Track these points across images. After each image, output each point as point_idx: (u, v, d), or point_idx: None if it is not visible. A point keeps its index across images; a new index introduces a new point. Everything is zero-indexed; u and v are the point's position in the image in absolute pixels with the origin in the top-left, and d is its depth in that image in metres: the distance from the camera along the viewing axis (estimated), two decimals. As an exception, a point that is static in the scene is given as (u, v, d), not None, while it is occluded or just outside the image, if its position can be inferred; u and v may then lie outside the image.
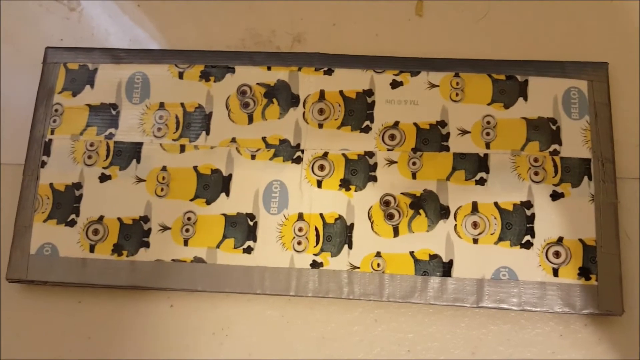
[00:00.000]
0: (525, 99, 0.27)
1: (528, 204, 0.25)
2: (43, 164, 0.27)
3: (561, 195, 0.25)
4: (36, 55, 0.29)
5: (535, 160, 0.26)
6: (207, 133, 0.27)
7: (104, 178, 0.27)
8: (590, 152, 0.26)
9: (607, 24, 0.29)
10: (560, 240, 0.25)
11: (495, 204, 0.25)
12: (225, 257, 0.26)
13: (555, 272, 0.25)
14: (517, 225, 0.25)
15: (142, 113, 0.28)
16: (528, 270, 0.25)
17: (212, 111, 0.27)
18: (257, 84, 0.28)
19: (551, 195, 0.25)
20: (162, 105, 0.28)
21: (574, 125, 0.26)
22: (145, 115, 0.28)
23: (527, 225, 0.25)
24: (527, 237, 0.25)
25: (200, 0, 0.30)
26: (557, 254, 0.25)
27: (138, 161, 0.27)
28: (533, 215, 0.25)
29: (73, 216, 0.27)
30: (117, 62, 0.28)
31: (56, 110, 0.28)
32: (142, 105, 0.28)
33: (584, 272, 0.24)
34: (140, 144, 0.27)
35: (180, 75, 0.28)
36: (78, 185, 0.27)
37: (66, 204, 0.27)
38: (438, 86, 0.27)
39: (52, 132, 0.27)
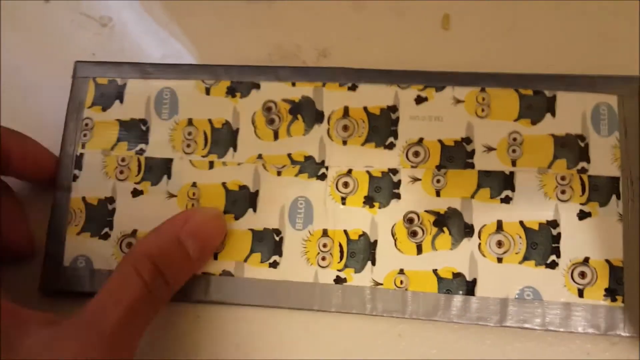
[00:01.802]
0: (553, 114, 0.26)
1: (554, 224, 0.25)
2: (75, 177, 0.28)
3: (588, 214, 0.25)
4: (68, 71, 0.30)
5: (563, 178, 0.26)
6: (235, 149, 0.28)
7: (136, 193, 0.28)
8: (619, 170, 0.25)
9: (638, 37, 0.28)
10: (586, 260, 0.25)
11: (521, 222, 0.25)
12: (252, 271, 0.27)
13: (581, 293, 0.24)
14: (543, 244, 0.25)
15: (171, 129, 0.28)
16: (553, 291, 0.24)
17: (238, 127, 0.28)
18: (282, 100, 0.28)
19: (578, 215, 0.25)
20: (190, 122, 0.28)
21: (602, 143, 0.26)
22: (174, 131, 0.28)
23: (553, 245, 0.25)
24: (553, 257, 0.25)
25: (230, 16, 0.31)
26: (582, 275, 0.25)
27: (169, 177, 0.28)
28: (559, 234, 0.25)
29: (107, 230, 0.28)
30: (146, 77, 0.29)
31: (86, 125, 0.29)
32: (171, 121, 0.28)
33: (610, 293, 0.24)
34: (170, 160, 0.28)
35: (207, 91, 0.28)
36: (111, 200, 0.28)
37: (99, 217, 0.28)
38: (463, 102, 0.27)
39: (83, 147, 0.29)
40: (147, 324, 0.24)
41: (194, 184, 0.28)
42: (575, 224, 0.25)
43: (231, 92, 0.28)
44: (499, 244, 0.25)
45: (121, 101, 0.29)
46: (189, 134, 0.28)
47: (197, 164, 0.28)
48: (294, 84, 0.28)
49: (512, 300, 0.25)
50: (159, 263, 0.24)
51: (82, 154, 0.28)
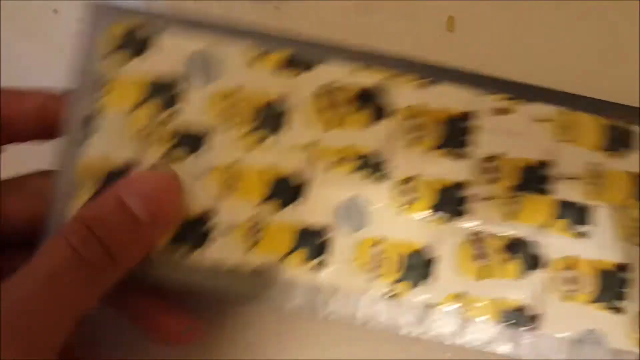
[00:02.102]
0: (632, 150, 0.24)
1: (625, 267, 0.24)
2: (88, 140, 0.24)
3: None
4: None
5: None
6: (285, 132, 0.24)
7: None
8: None
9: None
10: None
11: (593, 261, 0.24)
12: (292, 270, 0.23)
13: (645, 344, 0.23)
14: (613, 288, 0.23)
15: (210, 97, 0.24)
16: (616, 337, 0.23)
17: (291, 107, 0.24)
18: (349, 84, 0.25)
19: None
20: (235, 92, 0.24)
21: None
22: (214, 100, 0.24)
23: (622, 290, 0.23)
24: (622, 302, 0.23)
25: (235, 17, 0.27)
26: None
27: (206, 151, 0.24)
28: (630, 280, 0.23)
29: None
30: (181, 32, 0.24)
31: (102, 80, 0.24)
32: (212, 87, 0.24)
33: None
34: (206, 133, 0.24)
35: (259, 60, 0.25)
36: (134, 164, 0.24)
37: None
38: (548, 121, 0.24)
39: (99, 105, 0.24)
40: (82, 301, 0.19)
41: (234, 164, 0.24)
42: None
43: (289, 65, 0.25)
44: (569, 280, 0.23)
45: (147, 56, 0.24)
46: (232, 105, 0.24)
47: (238, 141, 0.24)
48: (364, 69, 0.25)
49: (575, 342, 0.23)
50: (95, 226, 0.20)
51: (97, 113, 0.24)
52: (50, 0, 0.29)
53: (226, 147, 0.24)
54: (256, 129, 0.24)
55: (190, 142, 0.24)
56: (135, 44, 0.24)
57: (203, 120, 0.24)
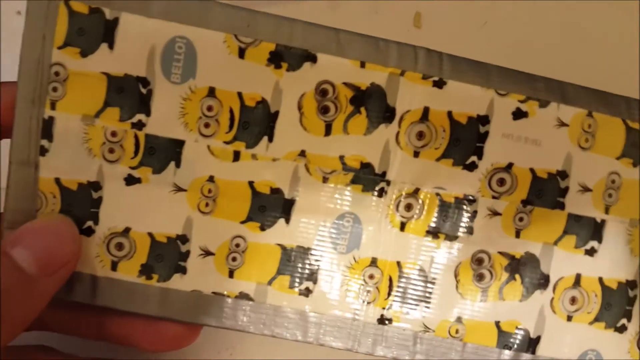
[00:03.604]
0: None
1: (633, 284, 0.22)
2: (43, 150, 0.20)
3: None
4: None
5: None
6: (270, 139, 0.21)
7: (131, 180, 0.21)
8: None
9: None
10: None
11: (600, 279, 0.22)
12: (278, 296, 0.22)
13: (643, 361, 0.23)
14: (617, 306, 0.22)
15: (184, 98, 0.21)
16: (616, 356, 0.22)
17: (278, 110, 0.21)
18: (344, 83, 0.21)
19: None
20: (212, 92, 0.21)
21: None
22: (188, 102, 0.21)
23: (626, 308, 0.22)
24: (623, 321, 0.22)
25: None
26: None
27: (177, 165, 0.21)
28: (635, 297, 0.22)
29: (90, 223, 0.21)
30: (149, 14, 0.20)
31: (57, 74, 0.20)
32: (185, 86, 0.20)
33: None
34: (181, 143, 0.21)
35: (241, 53, 0.20)
36: (96, 186, 0.21)
37: (80, 207, 0.21)
38: (568, 126, 0.21)
39: (53, 107, 0.20)
40: None
41: (211, 179, 0.21)
42: None
43: (275, 59, 0.21)
44: (573, 300, 0.22)
45: (110, 46, 0.20)
46: (209, 108, 0.21)
47: (217, 152, 0.21)
48: (363, 65, 0.21)
49: None
50: None
51: (52, 118, 0.20)
52: (13, 0, 0.27)
53: (201, 160, 0.21)
54: (236, 137, 0.21)
55: (160, 154, 0.21)
56: (95, 30, 0.20)
57: (174, 127, 0.21)
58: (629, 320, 0.22)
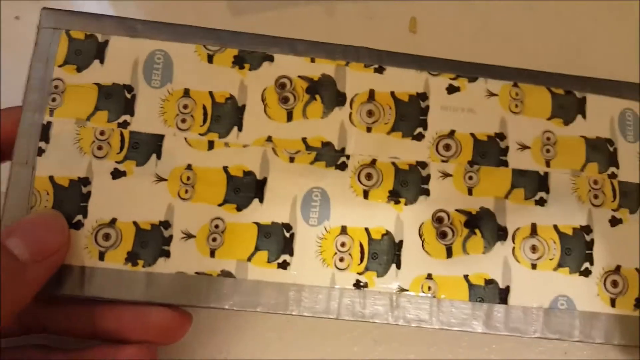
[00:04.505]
0: (584, 116, 0.25)
1: (587, 229, 0.24)
2: (40, 151, 0.23)
3: (619, 221, 0.24)
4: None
5: (595, 182, 0.24)
6: (240, 129, 0.24)
7: (117, 174, 0.23)
8: None
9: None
10: (617, 269, 0.24)
11: (555, 227, 0.24)
12: (257, 271, 0.23)
13: (613, 303, 0.23)
14: (577, 251, 0.24)
15: (162, 100, 0.24)
16: (586, 300, 0.23)
17: (245, 104, 0.24)
18: (299, 76, 0.24)
19: (610, 221, 0.24)
20: (187, 93, 0.24)
21: (629, 148, 0.25)
22: (166, 102, 0.24)
23: (587, 252, 0.24)
24: (586, 265, 0.24)
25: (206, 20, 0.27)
26: (614, 284, 0.23)
27: (159, 157, 0.23)
28: (592, 241, 0.24)
29: (79, 217, 0.23)
30: (133, 35, 0.24)
31: (56, 87, 0.23)
32: (163, 90, 0.24)
33: None
34: (161, 137, 0.24)
35: (210, 59, 0.24)
36: (85, 181, 0.23)
37: (71, 202, 0.23)
38: (497, 95, 0.25)
39: (52, 114, 0.23)
40: None
41: (189, 167, 0.23)
42: (607, 230, 0.24)
43: (239, 62, 0.24)
44: (533, 248, 0.24)
45: (102, 61, 0.24)
46: (185, 106, 0.24)
47: (193, 143, 0.24)
48: (313, 60, 0.25)
49: (547, 311, 0.23)
50: None
51: (49, 123, 0.23)
52: (12, 4, 0.29)
53: (180, 151, 0.24)
54: (210, 129, 0.24)
55: (143, 148, 0.23)
56: (89, 50, 0.24)
57: (155, 124, 0.24)
58: (591, 263, 0.24)
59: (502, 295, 0.23)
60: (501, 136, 0.24)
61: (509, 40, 0.24)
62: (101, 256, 0.22)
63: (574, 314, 0.23)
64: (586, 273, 0.23)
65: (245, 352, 0.24)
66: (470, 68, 0.25)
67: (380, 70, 0.25)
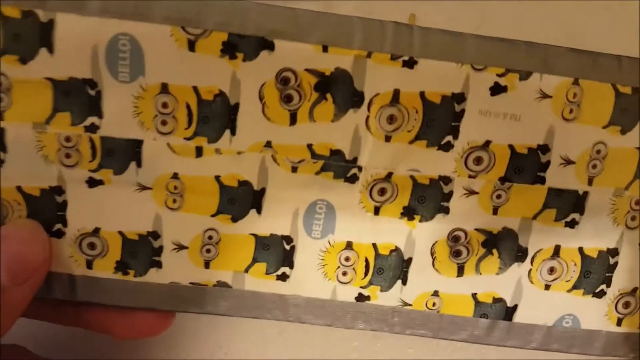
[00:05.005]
0: None
1: (614, 252, 0.22)
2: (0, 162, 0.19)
3: None
4: None
5: (637, 203, 0.21)
6: (233, 133, 0.20)
7: (93, 183, 0.20)
8: None
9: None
10: (634, 290, 0.22)
11: (580, 249, 0.22)
12: (255, 282, 0.22)
13: (619, 322, 0.23)
14: (597, 273, 0.22)
15: (136, 97, 0.19)
16: (593, 320, 0.23)
17: (238, 102, 0.19)
18: (307, 70, 0.19)
19: (639, 244, 0.22)
20: (165, 88, 0.19)
21: None
22: (141, 100, 0.19)
23: (606, 274, 0.22)
24: (602, 287, 0.22)
25: None
26: (626, 305, 0.23)
27: (139, 164, 0.20)
28: (616, 263, 0.22)
29: (59, 226, 0.20)
30: (85, 12, 0.18)
31: None
32: (135, 85, 0.19)
33: None
34: (139, 142, 0.20)
35: (191, 46, 0.19)
36: (58, 190, 0.20)
37: (46, 211, 0.20)
38: (551, 97, 0.20)
39: (1, 117, 0.19)
40: None
41: (176, 175, 0.20)
42: (634, 254, 0.22)
43: (230, 50, 0.19)
44: (551, 270, 0.22)
45: (50, 50, 0.18)
46: (164, 105, 0.19)
47: (178, 149, 0.20)
48: (325, 49, 0.19)
49: (550, 328, 0.23)
50: None
51: (2, 129, 0.19)
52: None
53: (163, 158, 0.20)
54: (196, 132, 0.20)
55: (119, 155, 0.20)
56: (31, 34, 0.18)
57: (130, 127, 0.19)
58: (608, 285, 0.22)
59: (508, 313, 0.22)
60: (544, 149, 0.20)
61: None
62: (89, 265, 0.21)
63: (577, 331, 0.23)
64: (600, 295, 0.22)
65: (246, 347, 0.24)
66: (525, 54, 0.19)
67: (410, 64, 0.19)
